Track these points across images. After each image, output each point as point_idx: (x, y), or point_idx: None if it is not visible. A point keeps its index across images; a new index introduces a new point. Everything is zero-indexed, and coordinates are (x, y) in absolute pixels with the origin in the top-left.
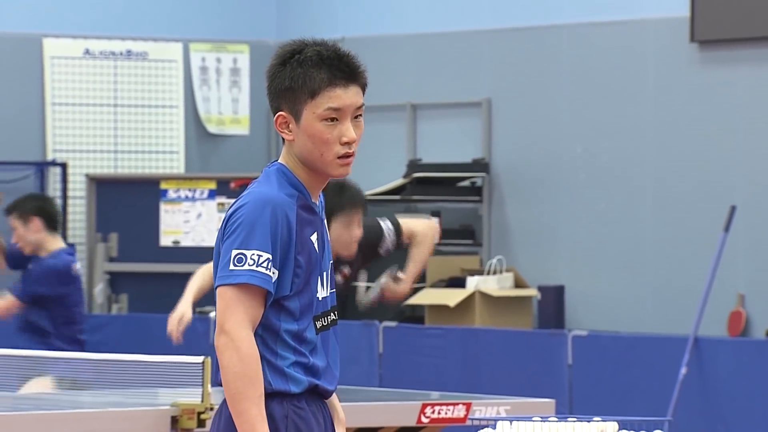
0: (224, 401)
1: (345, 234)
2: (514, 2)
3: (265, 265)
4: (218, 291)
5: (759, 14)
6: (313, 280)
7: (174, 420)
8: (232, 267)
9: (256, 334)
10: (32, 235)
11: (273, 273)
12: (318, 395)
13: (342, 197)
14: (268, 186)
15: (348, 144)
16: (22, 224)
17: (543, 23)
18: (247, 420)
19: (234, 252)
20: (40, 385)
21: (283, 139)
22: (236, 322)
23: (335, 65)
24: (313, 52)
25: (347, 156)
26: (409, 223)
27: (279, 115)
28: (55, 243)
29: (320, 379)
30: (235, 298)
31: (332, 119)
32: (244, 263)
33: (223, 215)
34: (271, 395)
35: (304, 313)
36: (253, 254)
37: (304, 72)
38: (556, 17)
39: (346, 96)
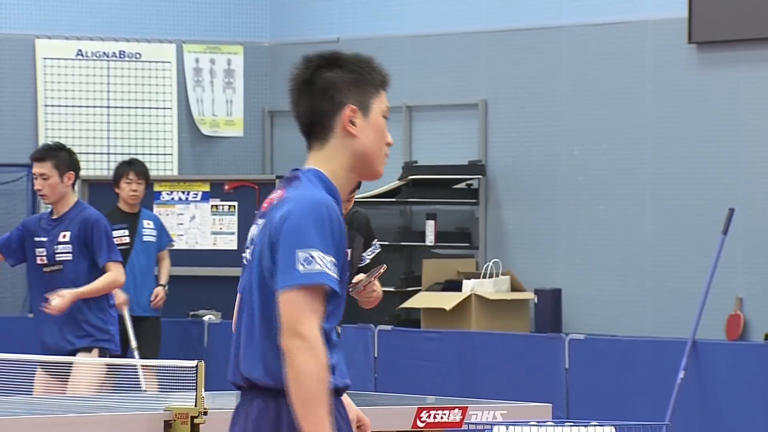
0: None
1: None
2: (510, 3)
3: (330, 265)
4: (287, 292)
5: (756, 15)
6: (344, 282)
7: (167, 424)
8: (300, 268)
9: None
10: (64, 188)
11: (335, 274)
12: (337, 392)
13: (351, 223)
14: (314, 189)
15: (388, 146)
16: (58, 174)
17: (540, 24)
18: (320, 423)
19: (300, 253)
20: (85, 372)
21: (313, 143)
22: (311, 325)
23: (381, 71)
24: (362, 57)
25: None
26: None
27: (350, 108)
28: (74, 197)
29: (342, 377)
30: (307, 299)
31: (385, 119)
32: (313, 263)
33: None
34: None
35: (334, 314)
36: (320, 255)
37: (362, 70)
38: (554, 18)
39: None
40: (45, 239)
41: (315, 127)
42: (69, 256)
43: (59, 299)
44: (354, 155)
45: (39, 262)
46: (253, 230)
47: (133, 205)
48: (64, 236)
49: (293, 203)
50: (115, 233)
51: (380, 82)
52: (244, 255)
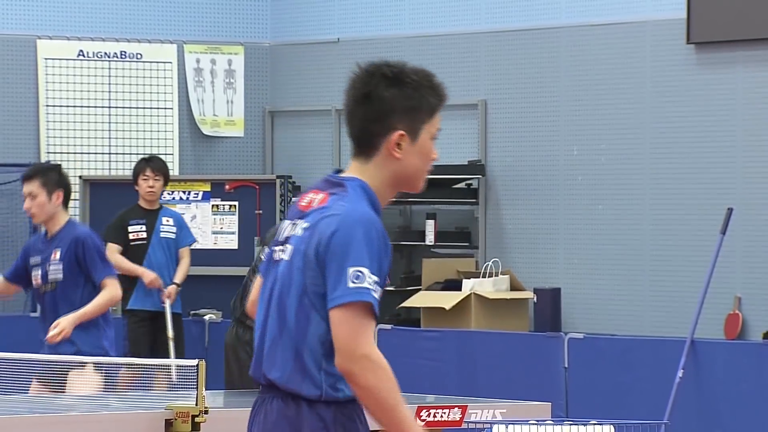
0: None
1: None
2: (510, 4)
3: (374, 285)
4: (339, 310)
5: (754, 16)
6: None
7: (168, 423)
8: (351, 285)
9: (315, 343)
10: (53, 207)
11: (378, 294)
12: (355, 401)
13: None
14: (361, 202)
15: (432, 160)
16: (46, 193)
17: (539, 25)
18: (406, 422)
19: (351, 270)
20: (84, 378)
21: (359, 153)
22: (368, 342)
23: (441, 93)
24: (425, 75)
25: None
26: None
27: (399, 134)
28: (65, 216)
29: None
30: (359, 316)
31: (434, 140)
32: (363, 280)
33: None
34: (321, 402)
35: None
36: (368, 273)
37: (421, 95)
38: (553, 19)
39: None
40: (39, 259)
41: (362, 141)
42: (60, 276)
43: (58, 330)
44: (395, 175)
45: (34, 283)
46: (289, 228)
47: (151, 201)
48: (55, 256)
49: (342, 218)
50: (132, 228)
51: (436, 105)
52: (275, 250)
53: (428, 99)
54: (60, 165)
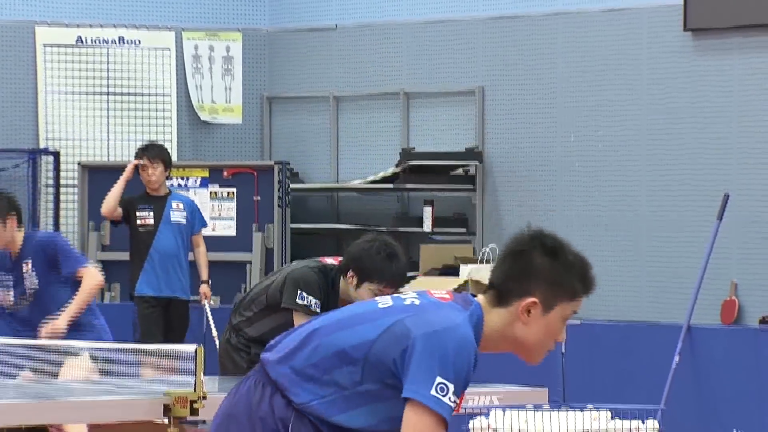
0: None
1: (364, 298)
2: None
3: (453, 406)
4: (420, 407)
5: (751, 3)
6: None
7: (167, 408)
8: (434, 392)
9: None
10: (9, 233)
11: (450, 417)
12: None
13: (390, 268)
14: (470, 327)
15: (556, 342)
16: (0, 223)
17: (537, 11)
18: None
19: (439, 379)
20: (77, 366)
21: (493, 296)
22: None
23: (590, 284)
24: (582, 263)
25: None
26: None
27: (532, 300)
28: (21, 234)
29: None
30: (434, 428)
31: (566, 321)
32: (446, 395)
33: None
34: (298, 409)
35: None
36: (452, 393)
37: (570, 276)
38: (550, 5)
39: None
40: (11, 279)
41: (498, 291)
42: (36, 283)
43: (53, 333)
44: (515, 337)
45: (4, 304)
46: (387, 299)
47: (155, 189)
48: (27, 267)
49: (454, 328)
50: (140, 214)
51: (580, 292)
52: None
53: (575, 282)
54: (5, 191)
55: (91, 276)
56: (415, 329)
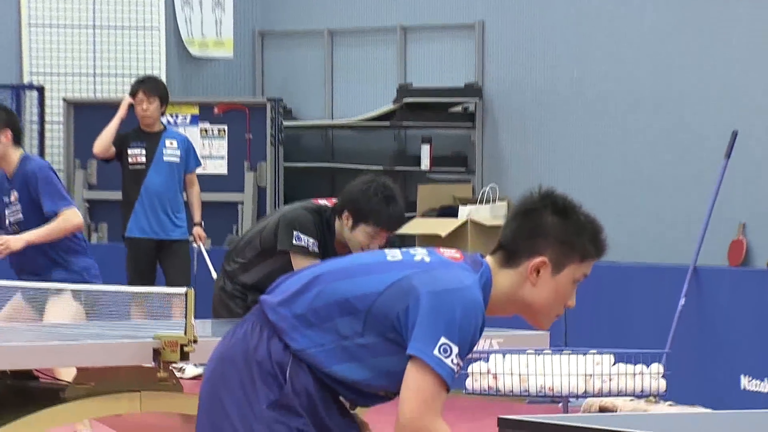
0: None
1: (363, 242)
2: None
3: (456, 368)
4: (423, 365)
5: None
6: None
7: (156, 352)
8: (437, 353)
9: (327, 379)
10: (2, 147)
11: (452, 379)
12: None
13: (387, 211)
14: (479, 290)
15: (566, 307)
16: None
17: None
18: None
19: (443, 339)
20: (61, 306)
21: (501, 256)
22: (434, 417)
23: (601, 246)
24: (594, 224)
25: (557, 316)
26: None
27: (541, 260)
28: (18, 153)
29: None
30: (435, 389)
31: (575, 284)
32: (450, 357)
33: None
34: (296, 356)
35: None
36: (456, 354)
37: (581, 236)
38: None
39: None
40: (7, 200)
41: (507, 251)
42: (20, 216)
43: (4, 247)
44: (523, 299)
45: (7, 223)
46: (397, 253)
47: (149, 124)
48: (14, 197)
49: (463, 289)
50: (132, 151)
51: (591, 254)
52: (388, 253)
53: (586, 243)
54: (3, 104)
55: (65, 217)
56: (423, 286)
